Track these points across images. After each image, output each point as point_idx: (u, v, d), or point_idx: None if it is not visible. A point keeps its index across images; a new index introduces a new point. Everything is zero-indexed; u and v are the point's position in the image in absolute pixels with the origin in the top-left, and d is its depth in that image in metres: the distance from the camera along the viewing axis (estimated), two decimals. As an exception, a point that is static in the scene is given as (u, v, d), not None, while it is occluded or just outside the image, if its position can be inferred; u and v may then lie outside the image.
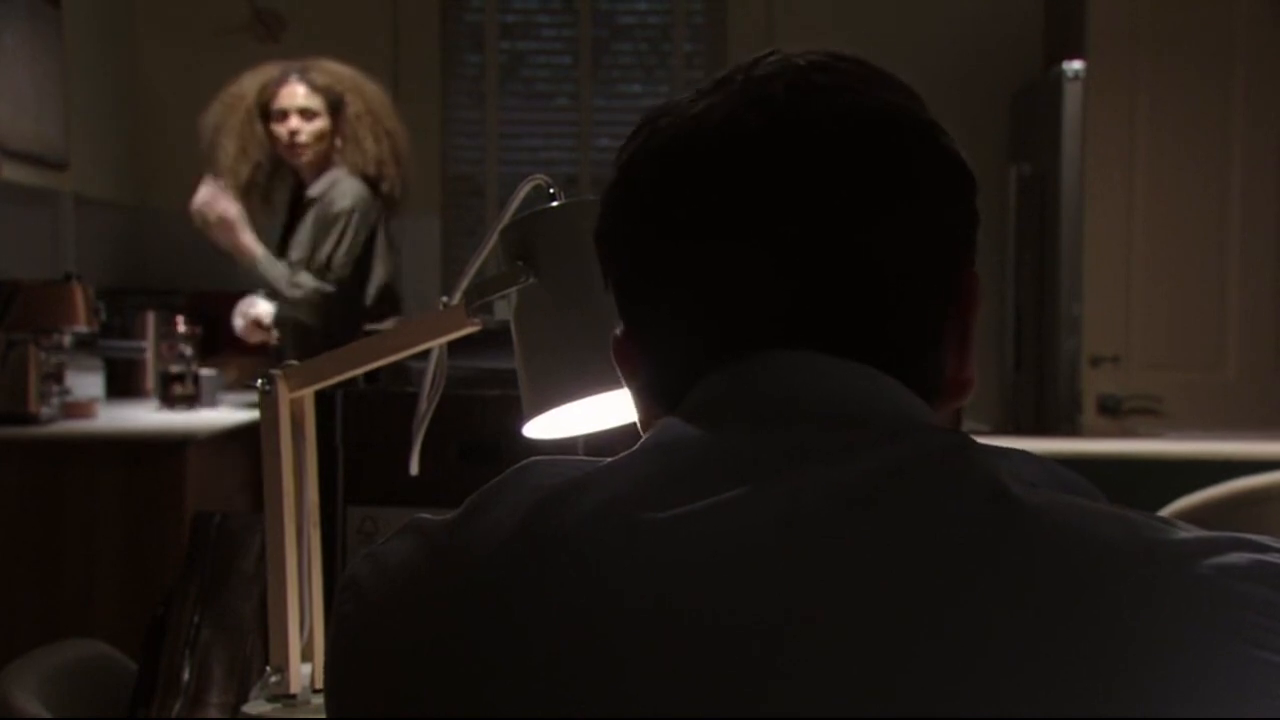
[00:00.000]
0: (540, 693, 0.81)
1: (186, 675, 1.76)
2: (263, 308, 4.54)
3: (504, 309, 1.42)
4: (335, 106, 4.53)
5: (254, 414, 1.51)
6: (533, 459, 0.91)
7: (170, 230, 5.86)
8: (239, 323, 4.55)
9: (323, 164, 4.56)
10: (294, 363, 1.52)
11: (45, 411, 3.94)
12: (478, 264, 1.42)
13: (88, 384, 4.34)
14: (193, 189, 4.50)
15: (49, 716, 1.75)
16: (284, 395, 1.48)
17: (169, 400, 4.39)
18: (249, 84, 4.58)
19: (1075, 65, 5.22)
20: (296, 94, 4.51)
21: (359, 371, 1.51)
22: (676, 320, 0.94)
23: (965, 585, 0.78)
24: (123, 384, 4.80)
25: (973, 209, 0.97)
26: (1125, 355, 5.33)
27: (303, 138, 4.50)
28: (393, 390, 2.06)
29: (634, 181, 0.96)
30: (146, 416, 4.28)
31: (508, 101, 6.20)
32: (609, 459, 0.89)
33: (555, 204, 1.38)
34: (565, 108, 6.25)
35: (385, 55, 5.90)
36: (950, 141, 0.96)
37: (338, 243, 4.46)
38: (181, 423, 4.06)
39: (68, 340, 4.12)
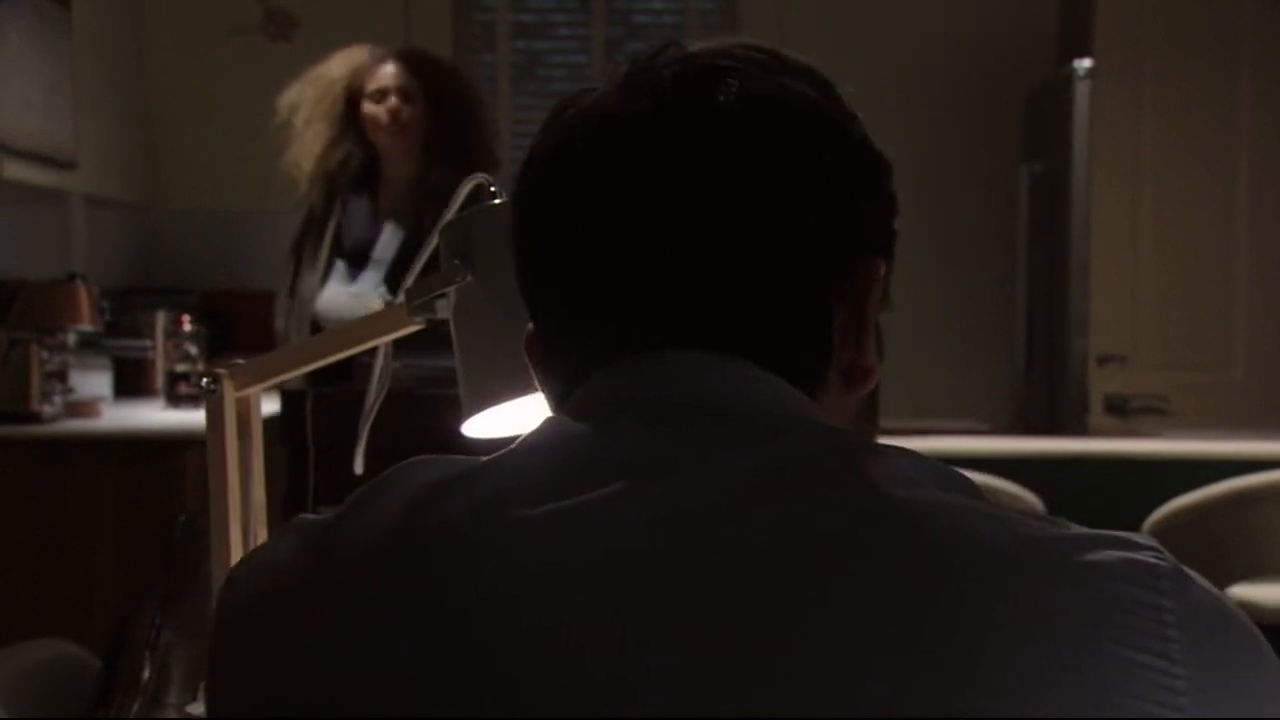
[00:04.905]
0: (409, 690, 0.80)
1: (146, 675, 1.76)
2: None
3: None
4: (436, 92, 4.10)
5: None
6: (418, 457, 0.90)
7: (180, 230, 5.88)
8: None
9: (413, 150, 4.07)
10: (240, 361, 1.51)
11: (48, 410, 3.94)
12: (423, 263, 1.42)
13: (94, 383, 4.35)
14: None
15: (6, 716, 1.75)
16: (229, 394, 1.47)
17: (175, 399, 4.40)
18: (337, 68, 4.14)
19: (1085, 63, 5.18)
20: (396, 74, 4.09)
21: (305, 370, 1.50)
22: (568, 320, 0.94)
23: (833, 586, 0.77)
24: (131, 383, 4.82)
25: (883, 196, 0.95)
26: (1132, 355, 5.29)
27: (404, 116, 4.04)
28: (364, 390, 2.06)
29: (530, 176, 0.96)
30: (149, 416, 4.28)
31: (521, 100, 6.19)
32: (493, 455, 0.88)
33: (493, 203, 1.38)
34: (578, 106, 6.23)
35: (396, 55, 5.89)
36: (857, 128, 0.94)
37: None
38: (183, 422, 4.06)
39: (72, 339, 4.12)
